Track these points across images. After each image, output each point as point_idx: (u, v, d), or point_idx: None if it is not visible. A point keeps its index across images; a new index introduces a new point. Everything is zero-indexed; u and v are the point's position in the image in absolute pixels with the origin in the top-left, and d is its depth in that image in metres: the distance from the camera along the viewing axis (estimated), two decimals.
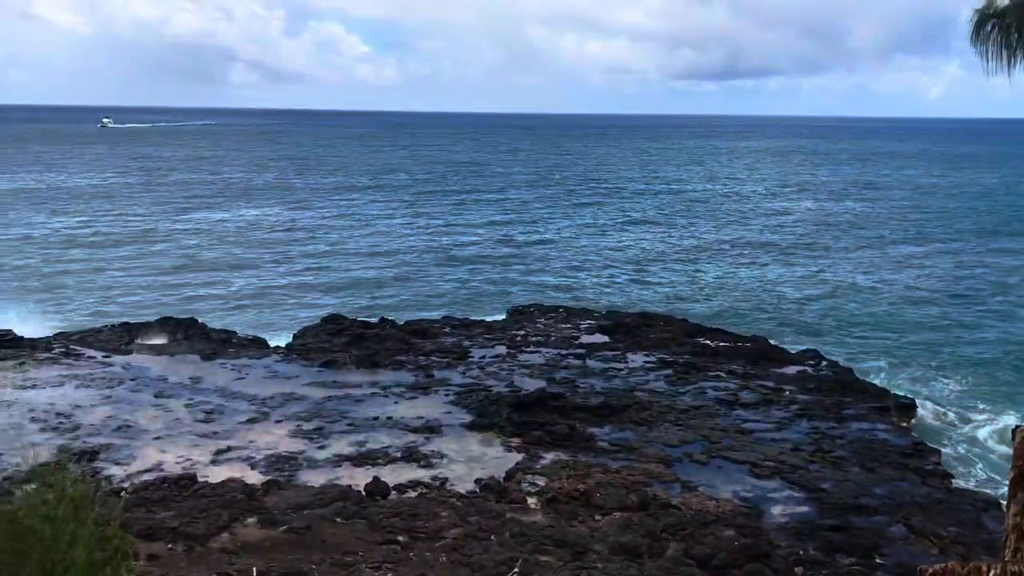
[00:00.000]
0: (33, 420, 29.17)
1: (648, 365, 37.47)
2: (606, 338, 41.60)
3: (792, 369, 37.19)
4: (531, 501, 23.52)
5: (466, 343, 40.32)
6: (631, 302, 53.96)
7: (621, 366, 37.29)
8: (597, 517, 22.36)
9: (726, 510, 22.76)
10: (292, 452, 27.02)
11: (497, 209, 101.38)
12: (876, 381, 37.15)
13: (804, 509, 24.03)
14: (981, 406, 35.53)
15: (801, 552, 21.10)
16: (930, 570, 5.48)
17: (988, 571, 5.09)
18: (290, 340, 40.93)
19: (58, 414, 29.76)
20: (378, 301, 54.04)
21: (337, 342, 39.26)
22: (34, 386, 32.55)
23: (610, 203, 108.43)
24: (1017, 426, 5.68)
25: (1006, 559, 5.31)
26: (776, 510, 23.93)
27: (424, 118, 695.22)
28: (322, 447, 27.56)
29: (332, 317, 43.41)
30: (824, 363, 38.18)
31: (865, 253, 72.92)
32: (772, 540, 21.29)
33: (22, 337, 38.65)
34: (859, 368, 38.83)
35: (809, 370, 37.13)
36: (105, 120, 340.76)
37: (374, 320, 43.63)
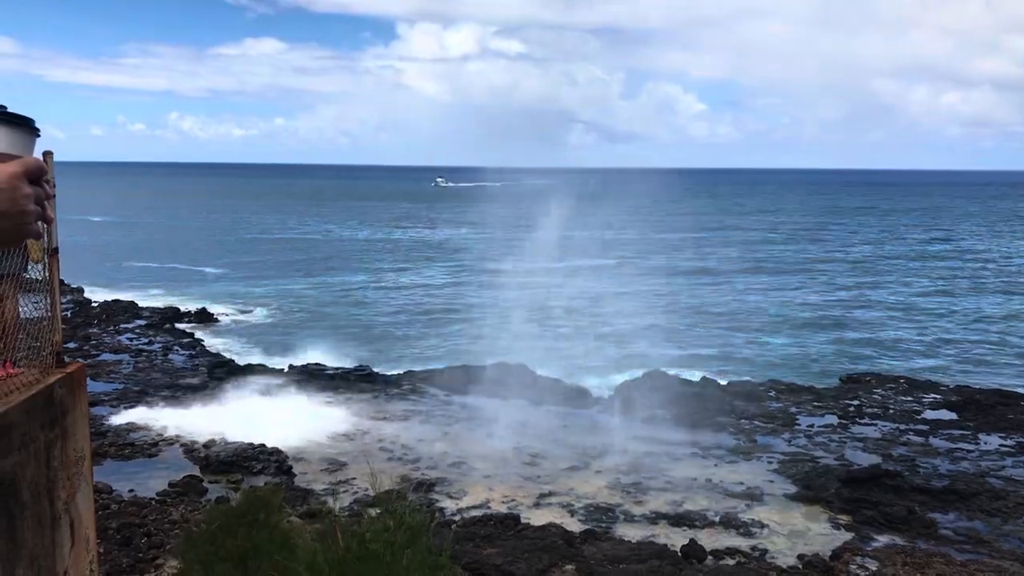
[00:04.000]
0: (381, 449, 32.18)
1: (1005, 449, 33.44)
2: (954, 415, 37.80)
3: None
4: None
5: (792, 409, 38.56)
6: (984, 377, 48.59)
7: (971, 447, 33.62)
8: None
9: None
10: (610, 504, 27.32)
11: (837, 269, 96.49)
12: None
13: None
14: None
15: None
16: None
17: None
18: (611, 392, 41.60)
19: (403, 446, 32.60)
20: (698, 358, 53.34)
21: (657, 398, 39.23)
22: (385, 418, 35.94)
23: (967, 268, 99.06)
24: None
25: None
26: None
27: (759, 174, 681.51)
28: (639, 502, 27.58)
29: (653, 372, 43.53)
30: None
31: None
32: None
33: (376, 373, 42.94)
34: None
35: None
36: (439, 180, 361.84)
37: (694, 378, 43.13)
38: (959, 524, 26.21)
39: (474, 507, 26.77)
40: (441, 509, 26.40)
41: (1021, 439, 34.26)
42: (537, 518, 25.53)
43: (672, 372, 44.56)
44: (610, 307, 71.03)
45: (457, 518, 25.59)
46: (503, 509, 26.47)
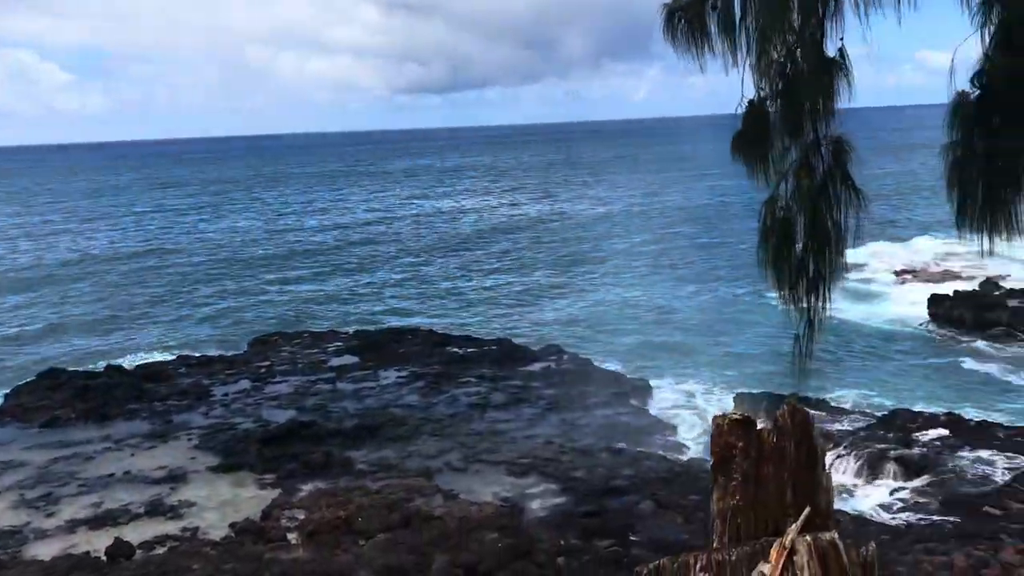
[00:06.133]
0: None
1: (400, 380, 37.38)
2: (356, 358, 41.03)
3: (537, 366, 38.56)
4: (291, 537, 22.62)
5: (206, 382, 38.17)
6: (377, 320, 53.64)
7: (373, 384, 36.93)
8: (361, 542, 21.90)
9: (488, 513, 23.08)
10: (16, 526, 24.30)
11: (230, 234, 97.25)
12: (614, 369, 39.08)
13: (561, 500, 24.92)
14: (714, 388, 37.41)
15: (562, 542, 21.82)
16: (644, 570, 5.68)
17: (696, 563, 5.33)
18: (1, 402, 36.80)
19: None
20: (101, 346, 49.81)
21: (58, 397, 35.81)
22: None
23: (341, 226, 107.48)
24: (719, 414, 6.01)
25: (712, 547, 5.57)
26: (535, 505, 24.66)
27: (138, 147, 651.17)
28: (51, 514, 25.02)
29: (49, 371, 39.52)
30: (565, 356, 39.90)
31: (611, 261, 77.34)
32: (534, 536, 21.85)
33: None
34: (596, 358, 40.73)
35: (552, 365, 38.66)
36: None
37: (99, 368, 40.30)
38: (371, 456, 28.71)
39: None
40: None
41: (412, 368, 38.59)
42: None
43: (71, 367, 40.99)
44: None
45: None
46: None
